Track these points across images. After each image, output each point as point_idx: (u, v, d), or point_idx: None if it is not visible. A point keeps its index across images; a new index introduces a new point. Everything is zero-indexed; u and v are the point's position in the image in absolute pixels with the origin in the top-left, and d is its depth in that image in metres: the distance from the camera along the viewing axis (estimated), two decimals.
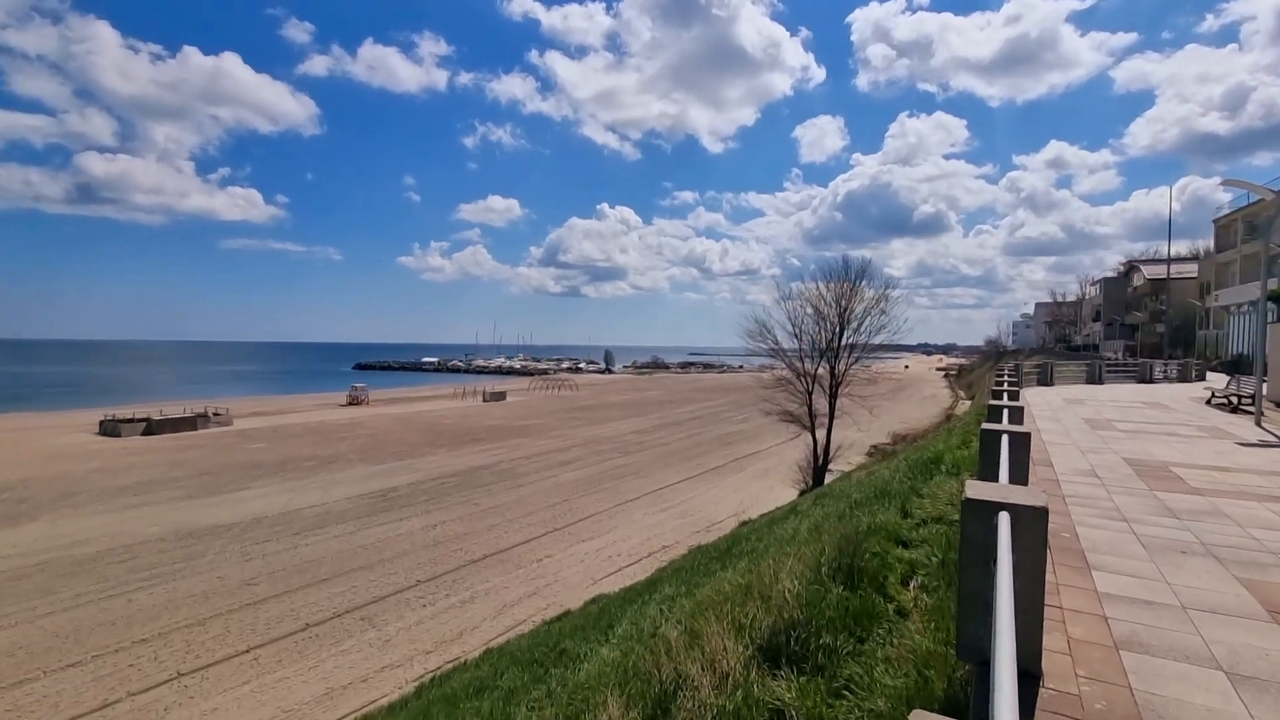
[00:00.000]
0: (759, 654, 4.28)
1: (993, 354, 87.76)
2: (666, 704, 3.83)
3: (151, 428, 39.73)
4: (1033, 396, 18.21)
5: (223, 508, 21.88)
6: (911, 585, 5.19)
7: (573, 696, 4.33)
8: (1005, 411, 7.32)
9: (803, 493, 20.90)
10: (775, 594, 5.27)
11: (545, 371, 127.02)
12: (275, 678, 10.88)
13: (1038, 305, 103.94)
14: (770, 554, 8.02)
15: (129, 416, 41.03)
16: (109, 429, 39.18)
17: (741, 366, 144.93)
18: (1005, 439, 5.06)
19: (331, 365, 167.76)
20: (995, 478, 4.66)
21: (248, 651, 11.77)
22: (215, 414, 44.19)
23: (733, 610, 4.97)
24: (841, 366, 24.41)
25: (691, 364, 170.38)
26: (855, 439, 30.11)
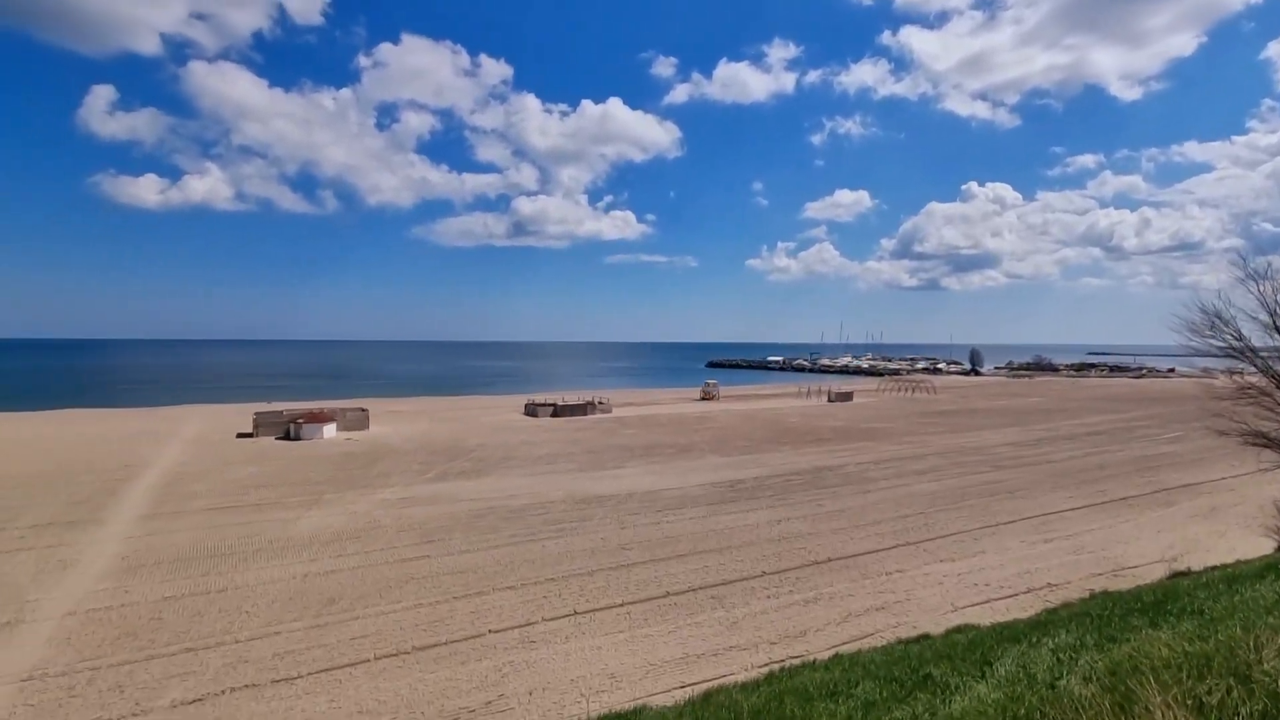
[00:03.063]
0: None
1: None
2: None
3: (557, 411, 49.70)
4: None
5: (604, 481, 25.95)
6: None
7: None
8: None
9: None
10: (1260, 675, 3.77)
11: (897, 372, 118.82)
12: (642, 633, 12.31)
13: None
14: (1237, 620, 5.87)
15: (543, 402, 52.10)
16: (530, 411, 50.48)
17: (1173, 370, 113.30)
18: None
19: (687, 363, 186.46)
20: None
21: (622, 605, 13.60)
22: (600, 403, 53.02)
23: (1186, 681, 3.67)
24: None
25: (1091, 365, 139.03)
26: None
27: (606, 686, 10.38)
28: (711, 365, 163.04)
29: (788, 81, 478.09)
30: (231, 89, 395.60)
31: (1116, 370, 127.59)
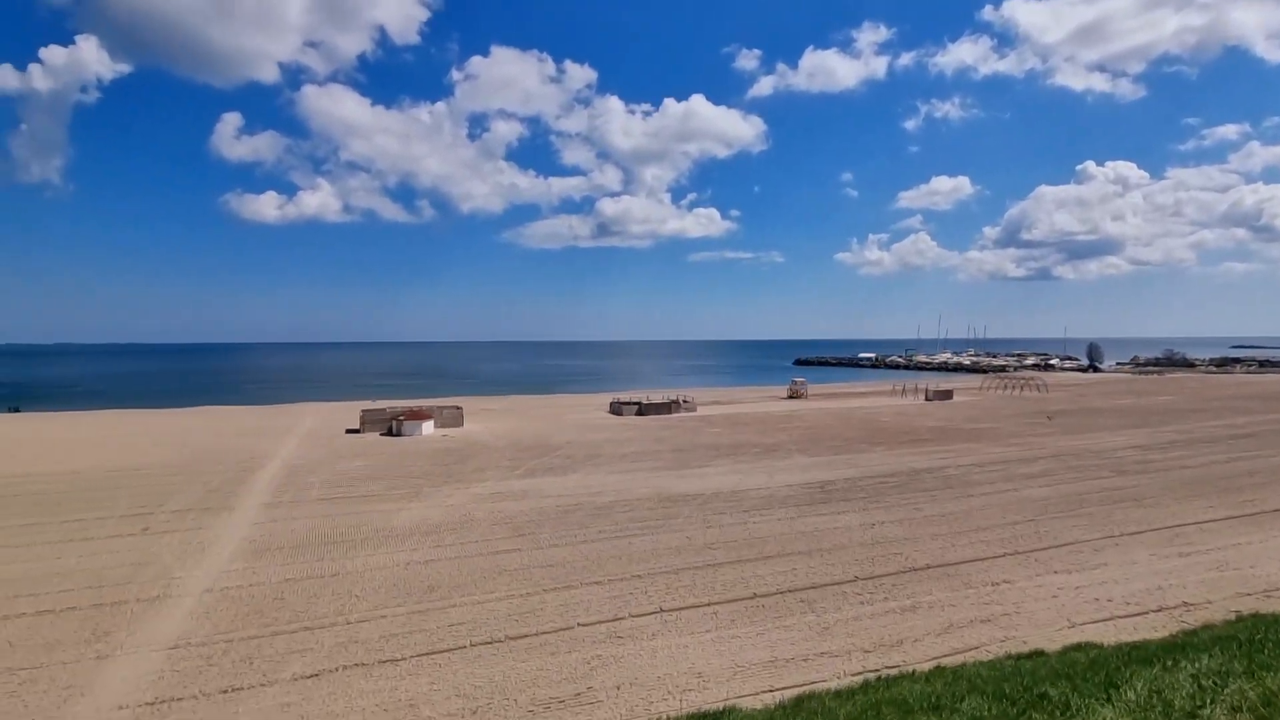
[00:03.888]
0: None
1: None
2: None
3: (642, 410, 50.05)
4: None
5: (690, 480, 25.86)
6: None
7: None
8: None
9: None
10: None
11: (1003, 369, 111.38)
12: (729, 633, 12.15)
13: None
14: None
15: (627, 400, 52.63)
16: (615, 409, 51.13)
17: None
18: None
19: (773, 360, 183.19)
20: None
21: (708, 605, 13.48)
22: (684, 401, 52.94)
23: None
24: None
25: (1235, 360, 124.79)
26: None
27: (693, 685, 10.31)
28: (799, 363, 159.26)
29: (879, 66, 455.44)
30: (339, 109, 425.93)
31: (1267, 365, 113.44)
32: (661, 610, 13.27)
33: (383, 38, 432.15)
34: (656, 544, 17.64)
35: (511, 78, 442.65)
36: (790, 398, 65.03)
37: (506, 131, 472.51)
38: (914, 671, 8.49)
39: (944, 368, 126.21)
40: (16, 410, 63.11)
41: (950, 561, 15.98)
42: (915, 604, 13.44)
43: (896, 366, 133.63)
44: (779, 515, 20.43)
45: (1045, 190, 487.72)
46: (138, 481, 26.27)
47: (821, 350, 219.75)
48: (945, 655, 10.96)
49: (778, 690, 9.93)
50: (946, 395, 61.47)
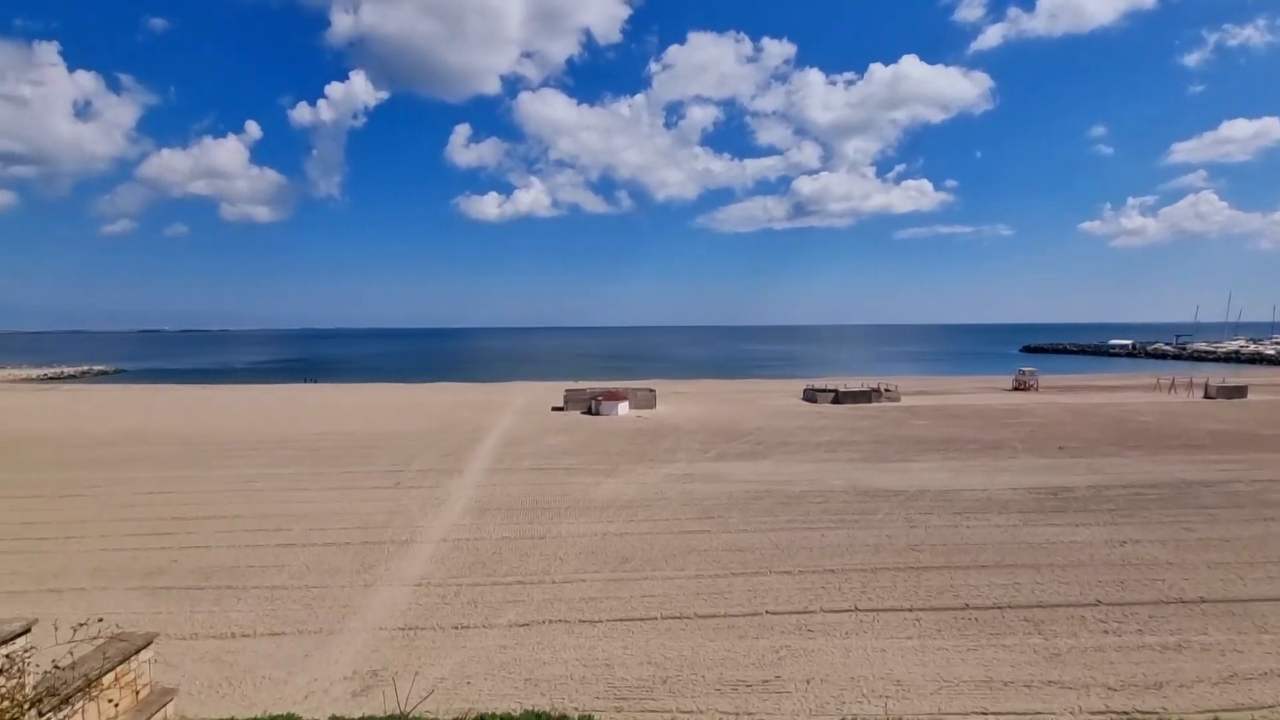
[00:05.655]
0: None
1: None
2: None
3: (838, 398, 47.64)
4: None
5: (890, 475, 24.03)
6: None
7: None
8: None
9: None
10: None
11: None
12: (934, 644, 11.08)
13: None
14: None
15: (823, 387, 50.41)
16: (809, 396, 49.30)
17: None
18: None
19: (996, 347, 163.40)
20: None
21: (910, 610, 12.43)
22: (886, 390, 49.30)
23: None
24: None
25: None
26: None
27: (891, 692, 9.59)
28: (1027, 350, 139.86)
29: None
30: (550, 111, 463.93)
31: None
32: (857, 609, 12.53)
33: (588, 40, 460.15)
34: (851, 539, 16.69)
35: (707, 62, 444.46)
36: (1016, 390, 57.34)
37: (701, 117, 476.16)
38: None
39: (1235, 358, 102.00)
40: (314, 382, 79.29)
41: (1236, 597, 12.89)
42: (1183, 642, 11.07)
43: (1163, 356, 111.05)
44: (998, 521, 18.13)
45: None
46: (392, 444, 31.39)
47: (1057, 336, 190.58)
48: (1226, 709, 8.90)
49: (992, 714, 8.85)
50: (1237, 392, 49.48)
